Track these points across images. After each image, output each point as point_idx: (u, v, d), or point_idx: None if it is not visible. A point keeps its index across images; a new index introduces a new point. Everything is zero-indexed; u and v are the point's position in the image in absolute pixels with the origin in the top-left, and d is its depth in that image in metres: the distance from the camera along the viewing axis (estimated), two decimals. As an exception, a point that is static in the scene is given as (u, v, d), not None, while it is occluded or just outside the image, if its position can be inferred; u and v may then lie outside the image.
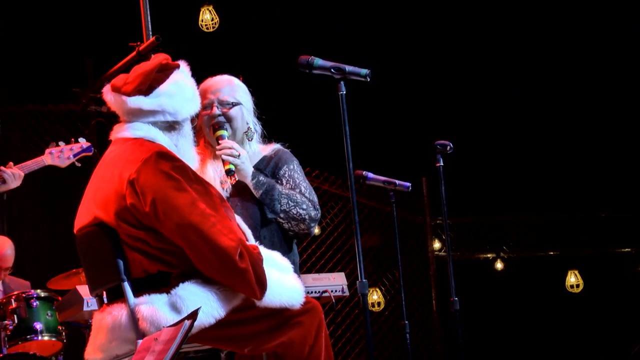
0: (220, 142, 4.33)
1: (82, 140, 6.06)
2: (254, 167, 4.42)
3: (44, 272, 7.48)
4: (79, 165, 6.02)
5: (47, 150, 6.00)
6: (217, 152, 4.30)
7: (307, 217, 4.40)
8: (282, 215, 4.38)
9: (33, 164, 5.98)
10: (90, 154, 6.02)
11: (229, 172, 4.27)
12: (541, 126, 11.61)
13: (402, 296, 5.92)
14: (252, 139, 4.50)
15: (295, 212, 4.39)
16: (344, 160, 3.86)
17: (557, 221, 11.18)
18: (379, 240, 10.07)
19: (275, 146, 4.58)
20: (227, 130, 4.39)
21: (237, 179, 4.35)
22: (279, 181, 4.45)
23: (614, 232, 11.24)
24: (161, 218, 3.57)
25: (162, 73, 3.80)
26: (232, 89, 4.47)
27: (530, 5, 11.42)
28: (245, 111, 4.47)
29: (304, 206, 4.40)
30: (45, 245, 9.35)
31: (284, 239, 4.44)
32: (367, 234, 9.92)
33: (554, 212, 11.19)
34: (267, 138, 4.60)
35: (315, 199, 4.49)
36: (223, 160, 4.29)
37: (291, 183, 4.46)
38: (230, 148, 4.30)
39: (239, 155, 4.30)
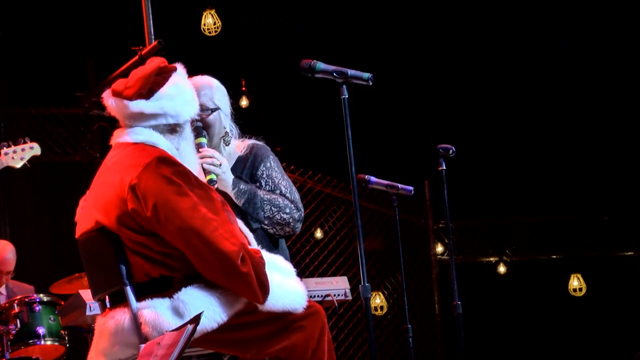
0: (200, 150, 4.24)
1: (28, 140, 6.06)
2: (231, 170, 4.35)
3: (46, 276, 7.49)
4: (29, 165, 6.04)
5: (2, 151, 5.98)
6: (200, 159, 4.18)
7: (291, 220, 4.37)
8: (266, 222, 4.34)
9: None
10: (38, 154, 6.05)
11: (210, 182, 4.20)
12: (543, 129, 11.61)
13: (405, 300, 5.91)
14: (229, 144, 4.43)
15: (279, 218, 4.35)
16: (347, 164, 3.85)
17: (560, 224, 11.18)
18: (381, 243, 10.07)
19: (249, 142, 4.50)
20: (205, 137, 4.32)
21: (217, 188, 4.31)
22: (258, 182, 4.40)
23: (617, 235, 11.24)
24: (163, 223, 3.56)
25: (161, 76, 3.79)
26: (212, 92, 4.40)
27: (531, 8, 11.42)
28: (222, 116, 4.40)
29: (287, 210, 4.36)
30: (47, 249, 9.35)
31: (271, 242, 4.41)
32: (369, 238, 9.92)
33: (557, 216, 11.18)
34: (241, 134, 4.53)
35: (297, 197, 4.44)
36: (204, 170, 4.22)
37: (270, 184, 4.40)
38: (211, 157, 4.24)
39: (220, 165, 4.25)
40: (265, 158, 4.45)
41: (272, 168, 4.44)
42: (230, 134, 4.44)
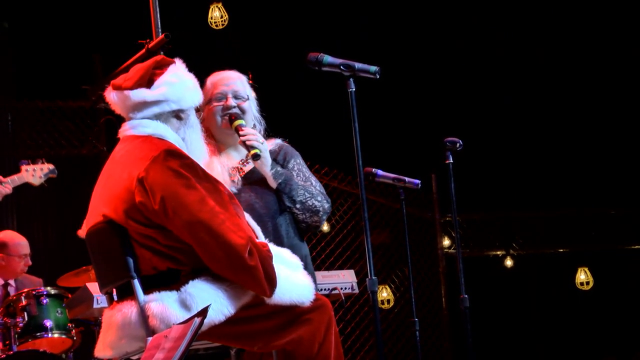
0: (242, 129, 4.32)
1: (44, 160, 6.41)
2: None
3: (54, 269, 7.51)
4: (46, 185, 6.41)
5: (23, 168, 6.40)
6: (242, 138, 4.28)
7: (321, 209, 4.43)
8: (298, 206, 4.40)
9: (17, 179, 6.38)
10: (55, 176, 6.42)
11: (255, 157, 4.26)
12: (550, 123, 11.59)
13: (412, 293, 5.90)
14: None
15: (311, 204, 4.41)
16: (354, 157, 3.86)
17: (567, 218, 11.16)
18: (388, 237, 10.06)
19: (277, 141, 4.59)
20: (243, 120, 4.39)
21: (244, 171, 4.38)
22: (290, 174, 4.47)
23: (624, 229, 11.22)
24: (170, 216, 3.57)
25: (159, 68, 3.84)
26: (243, 83, 4.50)
27: (538, 2, 11.40)
28: (253, 107, 4.49)
29: (319, 198, 4.43)
30: (55, 242, 9.37)
31: (297, 229, 4.46)
32: (376, 231, 9.92)
33: (564, 209, 11.17)
34: (267, 132, 4.60)
35: (325, 192, 4.52)
36: (247, 146, 4.28)
37: (301, 176, 4.48)
38: (254, 134, 4.32)
39: (262, 143, 4.33)
40: (295, 156, 4.55)
41: (302, 164, 4.54)
42: (259, 126, 4.51)
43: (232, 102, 4.41)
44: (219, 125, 4.42)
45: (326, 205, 4.45)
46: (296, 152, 4.57)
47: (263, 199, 4.36)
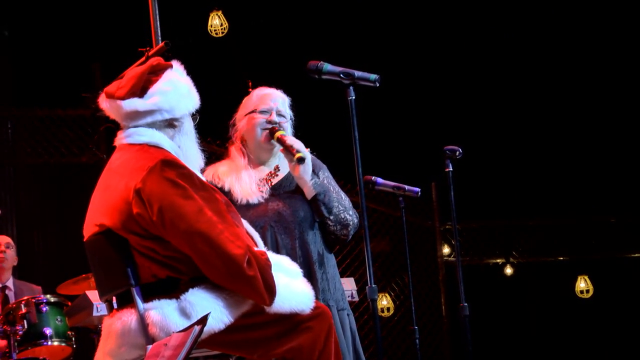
0: (286, 137, 4.38)
1: None
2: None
3: (53, 277, 7.50)
4: None
5: None
6: (289, 142, 4.34)
7: (351, 222, 4.46)
8: (332, 217, 4.43)
9: None
10: None
11: (300, 160, 4.30)
12: (550, 131, 11.60)
13: (412, 301, 5.90)
14: None
15: (343, 217, 4.44)
16: (353, 166, 3.86)
17: (567, 226, 11.16)
18: (388, 245, 10.06)
19: None
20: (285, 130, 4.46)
21: (272, 182, 4.43)
22: None
23: (624, 237, 11.22)
24: (168, 227, 3.56)
25: (154, 74, 3.81)
26: (286, 104, 4.56)
27: (539, 10, 11.41)
28: (289, 128, 4.55)
29: (351, 212, 4.47)
30: (54, 250, 9.37)
31: (325, 241, 4.48)
32: (376, 239, 9.91)
33: (564, 217, 11.17)
34: None
35: (353, 207, 4.55)
36: (291, 149, 4.31)
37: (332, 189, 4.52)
38: (299, 142, 4.38)
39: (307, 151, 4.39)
40: (323, 168, 4.58)
41: (331, 178, 4.58)
42: None
43: (276, 117, 4.46)
44: (258, 138, 4.46)
45: (355, 220, 4.48)
46: (324, 165, 4.60)
47: (291, 206, 4.40)
